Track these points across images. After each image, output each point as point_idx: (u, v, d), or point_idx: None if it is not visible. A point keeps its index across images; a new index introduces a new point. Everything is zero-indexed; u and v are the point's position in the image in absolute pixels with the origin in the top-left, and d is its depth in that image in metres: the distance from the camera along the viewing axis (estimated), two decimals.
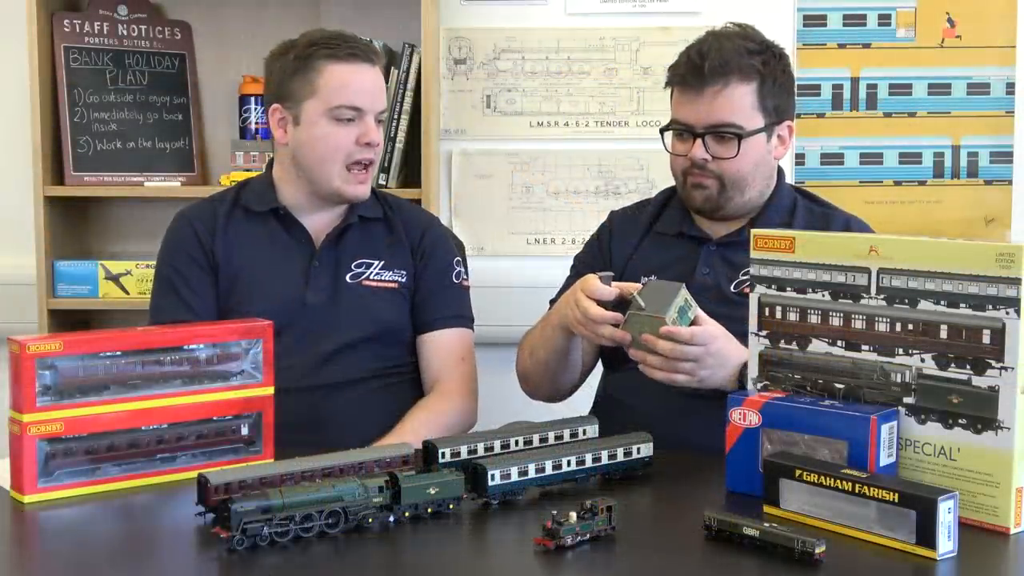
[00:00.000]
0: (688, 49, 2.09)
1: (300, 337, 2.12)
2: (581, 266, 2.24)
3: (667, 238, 2.18)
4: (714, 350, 1.83)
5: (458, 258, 2.32)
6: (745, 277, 2.03)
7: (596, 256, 2.24)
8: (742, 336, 1.83)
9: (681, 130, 2.09)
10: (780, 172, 2.18)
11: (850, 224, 2.14)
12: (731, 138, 2.04)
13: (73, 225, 2.97)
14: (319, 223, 2.22)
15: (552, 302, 2.21)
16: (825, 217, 2.15)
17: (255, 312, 2.00)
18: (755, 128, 2.05)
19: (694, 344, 1.81)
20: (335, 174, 2.15)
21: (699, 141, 2.05)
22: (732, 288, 2.07)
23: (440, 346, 2.24)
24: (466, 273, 2.35)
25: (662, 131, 2.13)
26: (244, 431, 1.77)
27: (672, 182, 2.19)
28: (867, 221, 2.24)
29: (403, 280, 2.22)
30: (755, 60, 2.05)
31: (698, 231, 2.15)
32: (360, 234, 2.23)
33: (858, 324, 1.58)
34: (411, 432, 2.04)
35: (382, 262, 2.22)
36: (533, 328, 2.18)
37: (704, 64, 2.02)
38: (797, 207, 2.15)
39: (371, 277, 2.21)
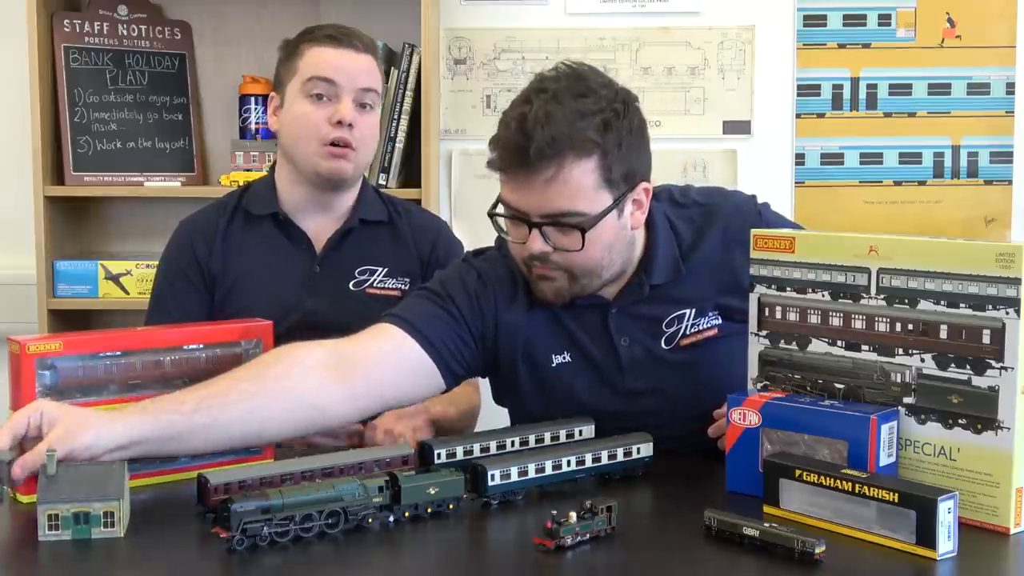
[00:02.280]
0: (509, 119, 1.71)
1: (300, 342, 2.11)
2: (443, 300, 1.85)
3: (554, 308, 1.84)
4: None
5: None
6: (673, 328, 1.82)
7: (469, 307, 1.85)
8: (700, 389, 1.79)
9: (513, 216, 1.75)
10: (648, 213, 1.83)
11: (740, 207, 1.88)
12: (574, 229, 1.70)
13: (73, 225, 2.97)
14: (320, 227, 2.22)
15: (391, 314, 1.84)
16: (709, 214, 1.87)
17: (255, 317, 2.00)
18: (602, 210, 1.70)
19: None
20: (311, 152, 2.14)
21: (535, 232, 1.71)
22: (665, 345, 1.83)
23: None
24: None
25: (491, 215, 1.79)
26: None
27: None
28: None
29: (406, 288, 2.20)
30: (592, 127, 1.67)
31: (590, 297, 1.82)
32: (363, 238, 2.22)
33: (858, 324, 1.58)
34: (445, 400, 2.03)
35: (386, 269, 2.21)
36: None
37: (530, 146, 1.65)
38: (678, 230, 1.86)
39: (375, 285, 2.20)
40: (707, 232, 1.86)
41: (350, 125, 2.13)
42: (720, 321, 1.83)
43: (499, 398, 1.99)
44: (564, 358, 1.84)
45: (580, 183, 1.68)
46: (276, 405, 1.65)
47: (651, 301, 1.84)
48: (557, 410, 1.82)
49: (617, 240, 1.77)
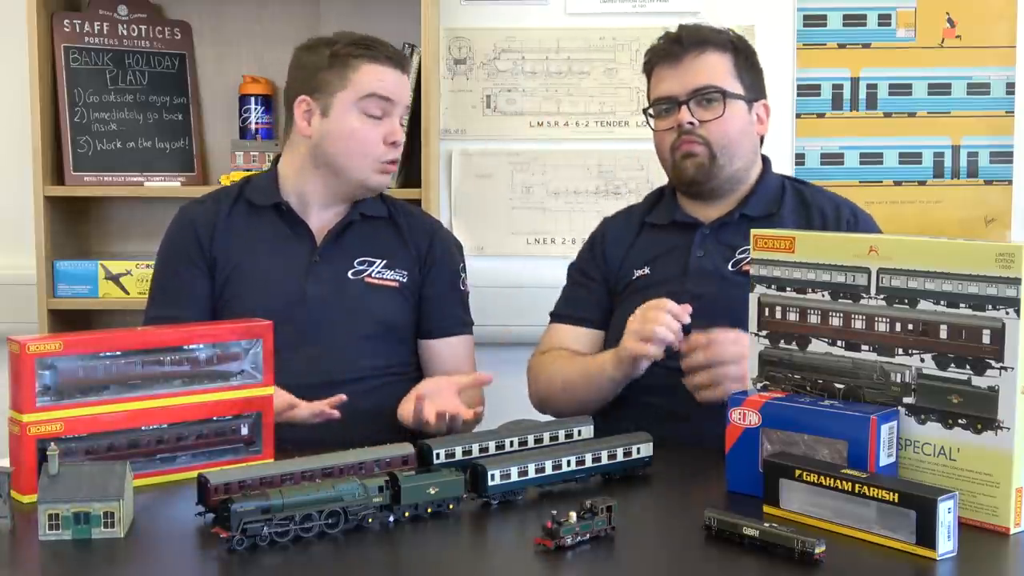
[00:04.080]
0: (663, 35, 2.19)
1: (299, 330, 2.12)
2: (577, 275, 2.28)
3: (659, 230, 2.20)
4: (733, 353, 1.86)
5: (463, 263, 2.34)
6: (743, 255, 2.07)
7: (590, 262, 2.27)
8: (740, 314, 1.84)
9: (665, 105, 2.14)
10: (766, 160, 2.22)
11: (840, 208, 2.15)
12: (716, 100, 2.09)
13: (73, 225, 2.97)
14: (321, 220, 2.23)
15: (553, 315, 2.27)
16: (815, 196, 2.18)
17: (254, 304, 2.01)
18: (737, 92, 2.12)
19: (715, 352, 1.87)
20: (364, 167, 2.18)
21: (684, 108, 2.10)
22: (730, 267, 2.09)
23: (449, 353, 2.27)
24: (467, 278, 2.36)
25: (646, 111, 2.19)
26: (244, 431, 1.77)
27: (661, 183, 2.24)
28: None
29: (404, 280, 2.23)
30: (728, 37, 2.14)
31: (689, 217, 2.17)
32: (362, 232, 2.24)
33: (858, 324, 1.58)
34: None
35: (384, 261, 2.23)
36: (564, 366, 2.13)
37: (681, 37, 2.13)
38: (785, 189, 2.18)
39: (373, 275, 2.22)
40: (809, 208, 2.14)
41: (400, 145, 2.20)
42: None
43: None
44: (643, 271, 2.16)
45: (719, 66, 2.11)
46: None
47: (738, 231, 2.10)
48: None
49: (746, 131, 2.14)
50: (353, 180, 2.19)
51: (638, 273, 2.17)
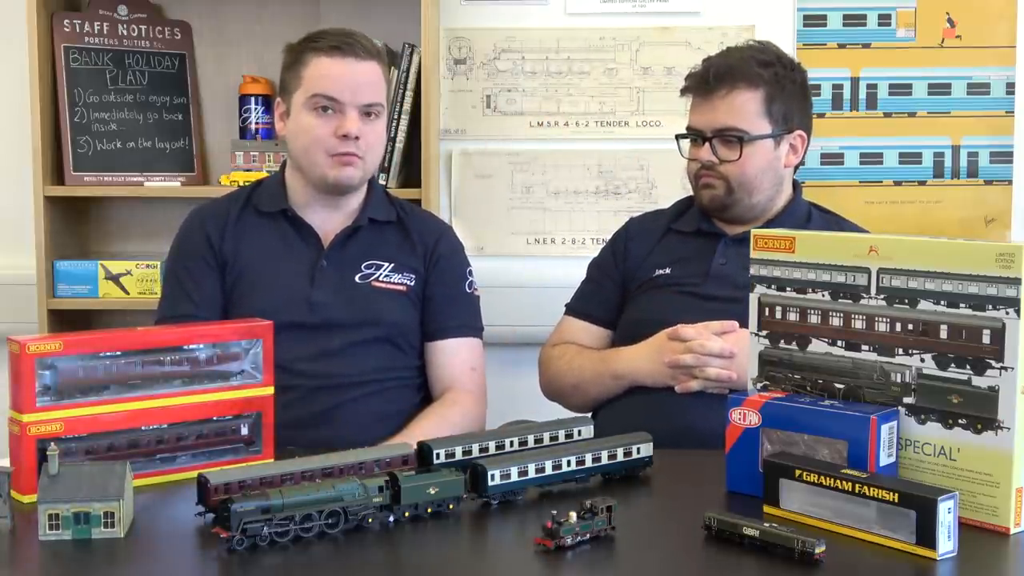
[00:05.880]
0: (704, 59, 2.23)
1: (305, 334, 2.12)
2: (595, 271, 2.37)
3: (685, 235, 2.28)
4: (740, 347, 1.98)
5: (470, 268, 2.33)
6: None
7: (610, 259, 2.34)
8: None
9: (693, 136, 2.21)
10: (797, 186, 2.29)
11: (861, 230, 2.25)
12: (735, 141, 2.14)
13: (73, 225, 2.97)
14: (328, 224, 2.23)
15: (568, 307, 2.36)
16: (842, 224, 2.26)
17: (260, 308, 2.01)
18: (760, 133, 2.16)
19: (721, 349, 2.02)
20: (319, 162, 2.17)
21: (707, 145, 2.18)
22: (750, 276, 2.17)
23: (452, 355, 2.25)
24: (476, 282, 2.36)
25: (678, 137, 2.27)
26: (244, 431, 1.77)
27: (685, 191, 2.33)
28: (867, 222, 2.27)
29: (412, 284, 2.23)
30: (763, 69, 2.15)
31: (715, 228, 2.25)
32: (370, 236, 2.24)
33: (858, 324, 1.58)
34: (420, 434, 2.04)
35: (392, 264, 2.23)
36: (579, 365, 2.23)
37: (710, 72, 2.16)
38: (812, 217, 2.26)
39: (380, 279, 2.21)
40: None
41: (356, 137, 2.15)
42: None
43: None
44: (665, 271, 2.23)
45: (745, 107, 2.15)
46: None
47: None
48: (642, 321, 2.18)
49: (769, 168, 2.19)
50: (314, 177, 2.18)
51: (659, 272, 2.25)
